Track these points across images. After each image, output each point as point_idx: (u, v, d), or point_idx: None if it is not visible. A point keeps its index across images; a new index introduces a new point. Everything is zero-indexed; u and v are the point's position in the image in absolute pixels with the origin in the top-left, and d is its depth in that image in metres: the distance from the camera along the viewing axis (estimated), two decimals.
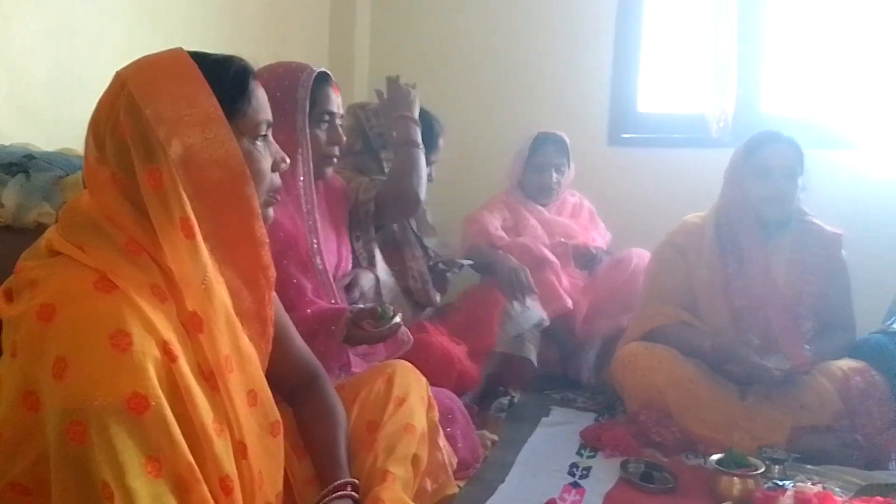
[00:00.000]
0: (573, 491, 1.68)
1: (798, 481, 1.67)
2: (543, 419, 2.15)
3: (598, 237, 2.73)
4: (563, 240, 2.59)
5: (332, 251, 1.70)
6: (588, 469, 1.81)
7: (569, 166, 2.70)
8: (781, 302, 2.05)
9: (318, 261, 1.61)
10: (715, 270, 2.09)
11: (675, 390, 1.99)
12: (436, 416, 1.37)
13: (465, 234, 2.60)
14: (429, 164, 2.31)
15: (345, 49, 3.24)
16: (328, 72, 1.63)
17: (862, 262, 2.16)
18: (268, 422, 1.08)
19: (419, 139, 1.95)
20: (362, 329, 1.50)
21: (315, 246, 1.60)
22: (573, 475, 1.77)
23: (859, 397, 1.89)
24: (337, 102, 1.64)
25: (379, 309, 1.52)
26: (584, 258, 2.59)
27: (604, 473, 1.78)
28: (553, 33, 3.08)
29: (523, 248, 2.47)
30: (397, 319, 1.50)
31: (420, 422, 1.30)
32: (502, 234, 2.57)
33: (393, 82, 2.01)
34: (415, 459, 1.25)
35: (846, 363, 1.97)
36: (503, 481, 1.69)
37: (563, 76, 3.07)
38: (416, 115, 1.97)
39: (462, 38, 3.22)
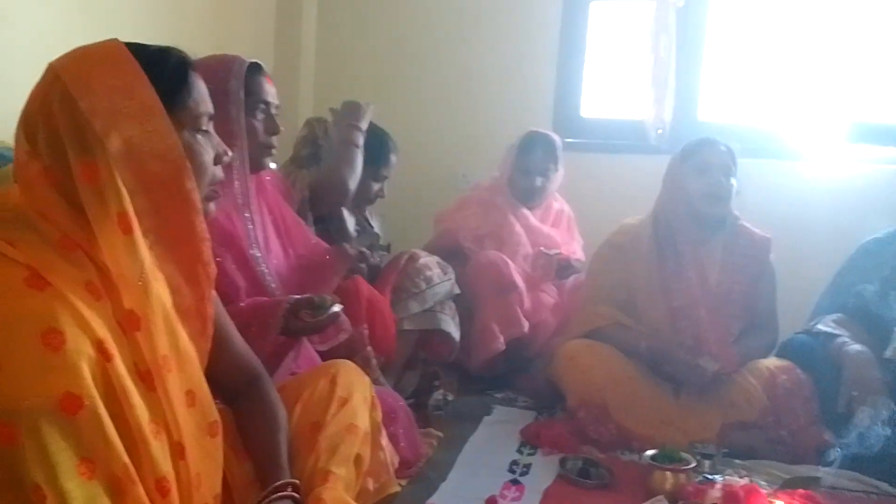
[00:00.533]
0: (513, 488, 1.70)
1: (727, 475, 1.74)
2: (485, 418, 2.17)
3: (578, 247, 2.72)
4: (543, 250, 2.54)
5: (273, 242, 1.68)
6: (528, 466, 1.84)
7: (557, 169, 2.67)
8: (713, 303, 2.14)
9: (257, 254, 1.59)
10: (653, 271, 2.16)
11: (614, 388, 2.04)
12: (379, 415, 1.37)
13: (434, 233, 2.64)
14: (380, 179, 2.35)
15: (291, 43, 3.21)
16: (260, 62, 1.63)
17: (788, 265, 2.27)
18: (206, 422, 1.06)
19: (359, 142, 2.06)
20: (301, 320, 1.49)
21: (253, 239, 1.59)
22: (513, 472, 1.79)
23: (785, 395, 1.98)
24: (271, 92, 1.64)
25: (316, 298, 1.52)
26: (566, 271, 2.56)
27: (543, 470, 1.81)
28: (499, 39, 3.12)
29: (492, 268, 2.40)
30: (336, 308, 1.50)
31: (363, 422, 1.30)
32: (471, 244, 2.54)
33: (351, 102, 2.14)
34: (357, 459, 1.25)
35: (773, 362, 2.07)
36: (445, 480, 1.70)
37: (509, 81, 3.12)
38: (364, 126, 2.10)
39: (409, 39, 3.23)
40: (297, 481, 1.16)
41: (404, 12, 3.22)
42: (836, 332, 2.03)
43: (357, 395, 1.31)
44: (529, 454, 1.93)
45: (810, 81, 2.86)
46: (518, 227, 2.59)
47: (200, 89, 1.05)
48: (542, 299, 2.53)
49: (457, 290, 2.27)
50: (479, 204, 2.66)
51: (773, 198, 2.58)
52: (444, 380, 2.29)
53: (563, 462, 1.84)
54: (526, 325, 2.40)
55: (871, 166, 2.70)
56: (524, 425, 2.08)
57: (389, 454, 1.38)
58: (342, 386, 1.30)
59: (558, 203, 2.78)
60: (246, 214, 1.59)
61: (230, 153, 1.12)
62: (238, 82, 1.54)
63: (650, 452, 1.75)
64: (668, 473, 1.68)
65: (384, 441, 1.38)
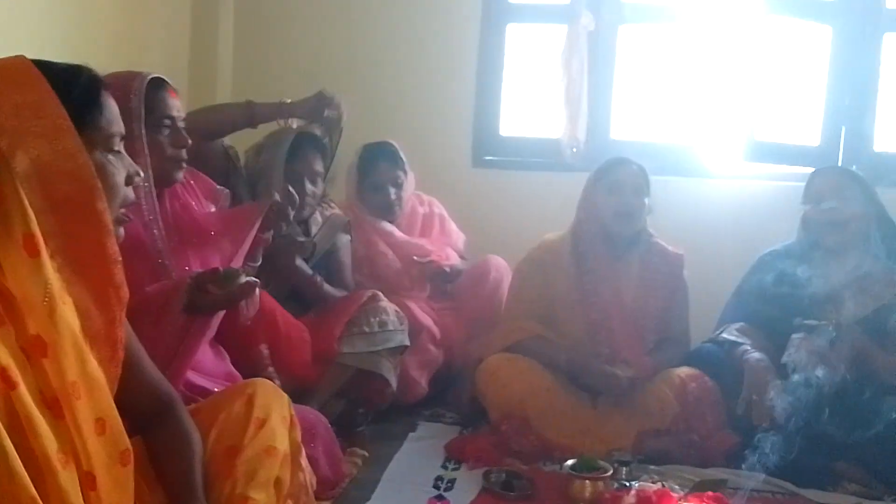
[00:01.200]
0: None
1: (642, 481, 1.81)
2: (410, 434, 2.17)
3: (452, 252, 2.63)
4: (416, 258, 2.49)
5: (182, 254, 1.63)
6: (452, 481, 1.86)
7: (406, 174, 2.57)
8: (629, 317, 2.23)
9: (167, 263, 1.56)
10: (572, 286, 2.24)
11: (534, 400, 2.09)
12: (298, 435, 1.35)
13: None
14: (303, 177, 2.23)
15: (207, 59, 3.14)
16: (163, 77, 1.62)
17: (696, 277, 2.38)
18: (117, 451, 1.02)
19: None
20: (208, 293, 1.46)
21: (161, 257, 1.55)
22: (438, 488, 1.81)
23: (694, 402, 2.08)
24: (175, 106, 1.62)
25: (222, 270, 1.49)
26: (440, 278, 2.53)
27: (467, 485, 1.83)
28: (418, 58, 3.15)
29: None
30: (247, 279, 1.47)
31: (282, 443, 1.27)
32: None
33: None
34: (277, 482, 1.22)
35: (683, 371, 2.17)
36: (368, 499, 1.69)
37: (428, 99, 3.15)
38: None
39: (326, 56, 3.21)
40: None
41: (321, 29, 3.21)
42: (739, 340, 2.16)
43: (275, 416, 1.28)
44: (454, 469, 1.95)
45: (714, 102, 3.03)
46: (383, 246, 2.50)
47: (112, 109, 1.03)
48: (447, 321, 2.49)
49: (406, 343, 2.22)
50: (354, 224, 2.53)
51: (681, 214, 2.70)
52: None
53: (486, 475, 1.86)
54: (441, 358, 2.41)
55: (769, 183, 2.89)
56: (449, 440, 2.09)
57: (308, 475, 1.36)
58: (259, 406, 1.27)
59: (424, 206, 2.70)
60: (155, 231, 1.55)
61: (142, 174, 1.10)
62: (138, 99, 1.52)
63: (570, 462, 1.80)
64: (587, 482, 1.73)
65: (303, 461, 1.35)
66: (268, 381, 1.39)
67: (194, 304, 1.45)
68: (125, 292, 1.01)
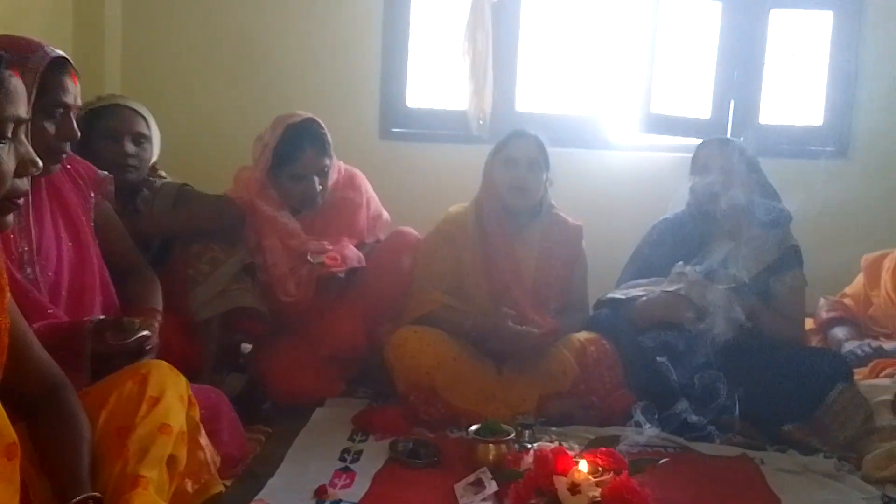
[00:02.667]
0: (343, 476, 1.72)
1: (543, 442, 1.88)
2: (318, 410, 2.16)
3: (352, 252, 2.30)
4: (309, 257, 2.23)
5: (53, 250, 1.52)
6: (359, 453, 1.87)
7: (332, 158, 2.33)
8: (529, 285, 2.30)
9: (28, 269, 1.44)
10: (477, 255, 2.28)
11: (441, 370, 2.13)
12: (197, 414, 1.33)
13: None
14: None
15: (93, 25, 2.95)
16: (67, 57, 1.45)
17: (594, 246, 2.47)
18: (3, 445, 0.99)
19: None
20: (105, 342, 1.39)
21: (25, 251, 1.44)
22: (344, 460, 1.82)
23: (593, 364, 2.18)
24: (74, 93, 1.46)
25: (125, 320, 1.44)
26: (331, 282, 2.25)
27: (374, 455, 1.85)
28: (322, 29, 3.08)
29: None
30: (145, 332, 1.43)
31: (177, 421, 1.25)
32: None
33: None
34: (172, 460, 1.21)
35: (583, 335, 2.26)
36: (273, 475, 1.68)
37: (334, 70, 3.09)
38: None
39: (226, 30, 3.10)
40: (98, 494, 1.11)
41: (219, 2, 3.09)
42: (626, 294, 2.26)
43: (171, 394, 1.26)
44: (361, 441, 1.96)
45: (613, 75, 3.13)
46: (272, 241, 2.24)
47: (10, 89, 0.95)
48: (358, 304, 2.31)
49: (248, 259, 2.11)
50: (243, 205, 2.26)
51: (583, 184, 2.80)
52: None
53: (393, 445, 1.89)
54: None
55: (662, 154, 3.02)
56: (357, 413, 2.10)
57: (210, 454, 1.35)
58: (153, 385, 1.24)
59: (338, 190, 2.41)
60: (22, 224, 1.43)
61: (40, 165, 1.02)
62: (33, 77, 1.34)
63: (474, 427, 1.85)
64: (491, 446, 1.78)
65: (204, 440, 1.33)
66: (163, 362, 1.36)
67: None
68: (4, 279, 0.96)
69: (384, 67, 3.13)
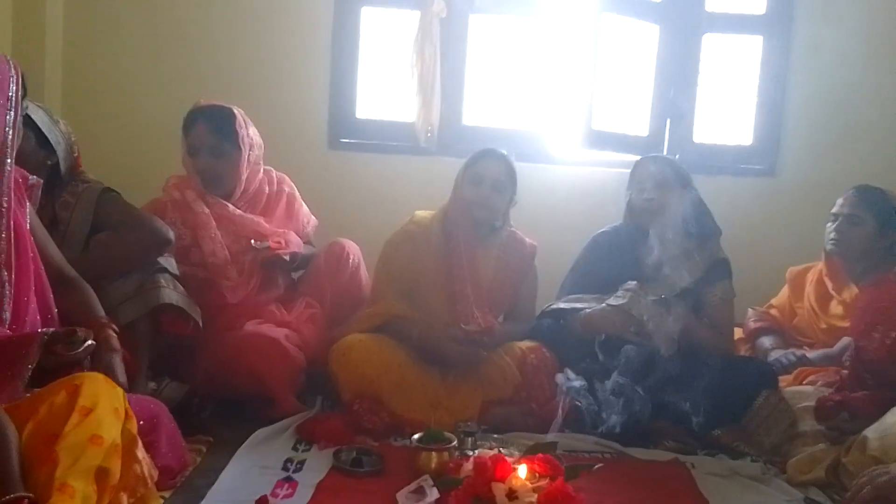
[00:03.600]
0: (285, 485, 1.72)
1: (485, 449, 1.93)
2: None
3: (294, 237, 2.41)
4: (253, 243, 2.30)
5: None
6: (302, 462, 1.87)
7: (237, 147, 2.30)
8: (484, 291, 2.39)
9: None
10: (438, 258, 2.36)
11: (386, 378, 2.16)
12: (134, 426, 1.32)
13: None
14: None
15: (33, 30, 2.89)
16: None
17: (540, 259, 2.54)
18: None
19: None
20: (55, 354, 1.39)
21: None
22: (287, 470, 1.82)
23: (533, 371, 2.24)
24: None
25: (78, 332, 1.44)
26: (276, 266, 2.34)
27: (317, 465, 1.86)
28: (269, 38, 3.07)
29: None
30: (90, 342, 1.43)
31: (110, 433, 1.24)
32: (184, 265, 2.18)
33: None
34: (104, 473, 1.19)
35: (524, 344, 2.34)
36: (213, 486, 1.67)
37: (283, 81, 3.08)
38: None
39: (171, 37, 3.06)
40: (32, 495, 1.10)
41: (166, 9, 3.05)
42: (571, 306, 2.34)
43: (104, 405, 1.25)
44: (305, 450, 1.96)
45: (556, 91, 3.22)
46: (211, 230, 2.27)
47: None
48: (304, 318, 2.36)
49: (161, 255, 2.07)
50: (175, 208, 2.31)
51: (527, 198, 2.84)
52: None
53: (337, 454, 1.90)
54: (303, 362, 2.26)
55: (603, 170, 3.11)
56: (300, 422, 2.10)
57: (147, 467, 1.33)
58: (86, 396, 1.23)
59: (272, 186, 2.48)
60: None
61: None
62: None
63: (417, 435, 1.87)
64: (433, 453, 1.81)
65: (140, 453, 1.32)
66: (99, 374, 1.35)
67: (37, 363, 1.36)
68: None
69: (333, 78, 3.14)
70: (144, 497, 1.32)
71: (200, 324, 2.08)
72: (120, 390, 1.32)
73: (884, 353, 2.03)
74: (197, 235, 2.27)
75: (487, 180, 2.36)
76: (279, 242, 2.32)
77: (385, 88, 3.24)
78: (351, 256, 2.52)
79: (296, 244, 2.39)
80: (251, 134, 2.39)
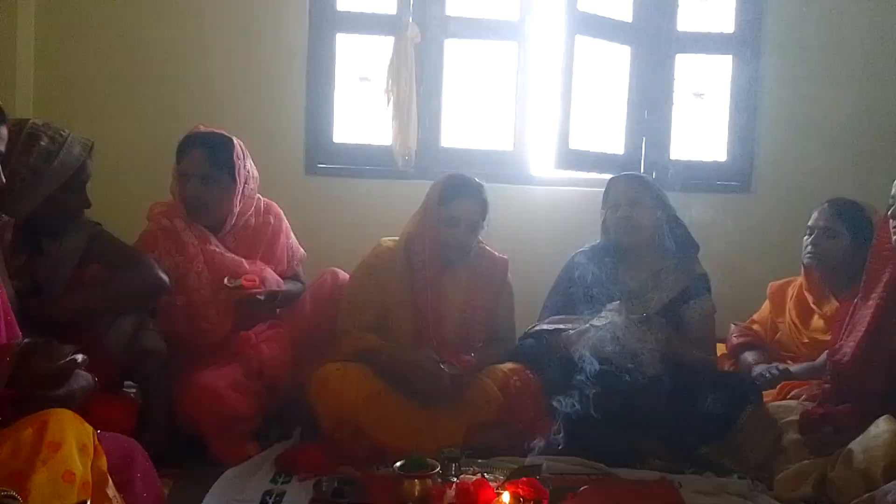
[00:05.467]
0: None
1: (469, 474, 1.89)
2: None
3: (270, 275, 2.31)
4: (226, 281, 2.19)
5: None
6: (282, 495, 1.83)
7: (236, 177, 2.23)
8: (456, 318, 2.35)
9: None
10: (404, 290, 2.31)
11: (366, 406, 2.13)
12: (104, 464, 1.27)
13: None
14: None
15: (4, 55, 2.87)
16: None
17: (519, 278, 2.53)
18: None
19: None
20: (32, 366, 1.33)
21: None
22: (266, 503, 1.77)
23: (517, 393, 2.21)
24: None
25: (55, 344, 1.38)
26: (252, 306, 2.24)
27: (298, 496, 1.82)
28: (244, 63, 3.07)
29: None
30: (77, 356, 1.37)
31: (79, 469, 1.20)
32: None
33: None
34: None
35: (507, 366, 2.30)
36: None
37: (258, 106, 3.08)
38: None
39: (145, 62, 3.05)
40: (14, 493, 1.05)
41: (139, 24, 3.04)
42: (555, 327, 2.32)
43: (71, 442, 1.21)
44: (285, 482, 1.92)
45: (532, 113, 3.24)
46: (198, 265, 2.20)
47: None
48: (273, 350, 2.26)
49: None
50: (166, 236, 2.22)
51: (504, 218, 2.84)
52: None
53: (317, 485, 1.85)
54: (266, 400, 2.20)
55: (581, 189, 3.13)
56: (279, 453, 2.06)
57: None
58: (53, 431, 1.19)
59: (258, 217, 2.39)
60: None
61: None
62: None
63: (399, 463, 1.83)
64: (416, 481, 1.77)
65: (111, 491, 1.28)
66: (66, 410, 1.30)
67: (14, 376, 1.29)
68: None
69: (309, 103, 3.14)
70: None
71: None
72: (89, 427, 1.28)
73: (857, 364, 2.04)
74: (184, 271, 2.19)
75: (462, 222, 2.29)
76: (253, 281, 2.21)
77: (362, 113, 3.25)
78: (337, 290, 2.45)
79: (273, 282, 2.27)
80: (248, 166, 2.31)
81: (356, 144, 3.24)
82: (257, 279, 2.22)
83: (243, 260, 2.29)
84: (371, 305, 2.31)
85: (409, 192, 3.02)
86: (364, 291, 2.33)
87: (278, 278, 2.32)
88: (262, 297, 2.22)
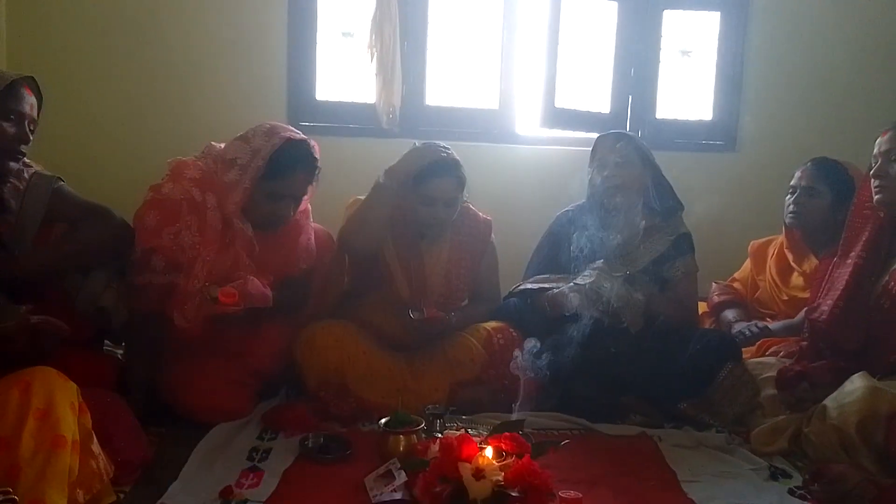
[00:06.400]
0: (251, 475, 1.70)
1: (453, 430, 1.92)
2: None
3: (254, 285, 2.04)
4: (206, 286, 1.98)
5: None
6: (268, 451, 1.85)
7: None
8: (442, 279, 2.35)
9: None
10: (398, 247, 2.31)
11: (351, 365, 2.14)
12: (88, 421, 1.28)
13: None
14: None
15: None
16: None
17: (504, 238, 2.53)
18: None
19: None
20: None
21: None
22: (252, 459, 1.79)
23: (500, 351, 2.23)
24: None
25: (5, 301, 1.37)
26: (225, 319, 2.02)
27: (283, 453, 1.83)
28: (224, 20, 3.00)
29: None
30: (34, 318, 1.36)
31: (70, 430, 1.20)
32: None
33: None
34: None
35: (490, 324, 2.32)
36: (176, 478, 1.63)
37: (238, 62, 3.02)
38: None
39: (121, 17, 2.97)
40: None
41: None
42: (539, 286, 2.33)
43: (60, 403, 1.21)
44: (271, 439, 1.93)
45: (518, 71, 3.20)
46: (212, 248, 2.01)
47: None
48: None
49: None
50: (191, 210, 2.01)
51: (490, 178, 2.85)
52: None
53: (303, 441, 1.88)
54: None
55: (567, 148, 3.11)
56: (265, 411, 2.07)
57: (103, 462, 1.30)
58: (39, 395, 1.19)
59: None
60: None
61: None
62: None
63: (384, 420, 1.86)
64: (401, 437, 1.79)
65: (96, 448, 1.28)
66: (51, 368, 1.30)
67: None
68: None
69: (291, 59, 3.08)
70: (100, 493, 1.28)
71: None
72: (73, 385, 1.28)
73: (834, 322, 2.08)
74: (193, 252, 2.00)
75: (439, 201, 2.26)
76: (231, 295, 1.97)
77: (345, 69, 3.19)
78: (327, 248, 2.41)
79: (258, 297, 2.03)
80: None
81: (339, 102, 3.20)
82: (236, 293, 1.98)
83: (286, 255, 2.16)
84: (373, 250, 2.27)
85: (393, 151, 2.99)
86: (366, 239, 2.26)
87: (266, 293, 2.05)
88: (239, 313, 2.00)
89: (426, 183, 2.24)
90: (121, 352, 2.16)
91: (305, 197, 2.23)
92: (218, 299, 1.95)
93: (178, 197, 2.01)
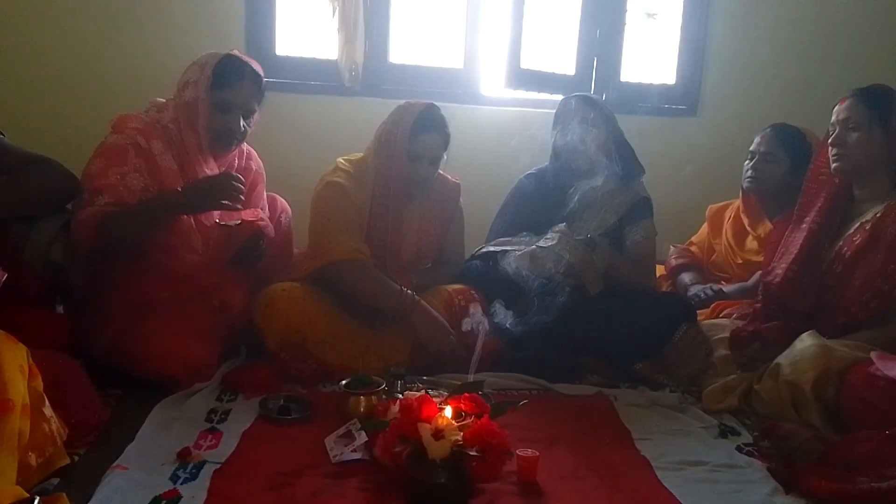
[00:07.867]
0: (209, 436, 1.68)
1: (414, 391, 1.93)
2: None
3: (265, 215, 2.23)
4: (224, 223, 2.09)
5: None
6: (227, 413, 1.83)
7: (259, 107, 2.18)
8: (413, 243, 2.34)
9: None
10: (366, 214, 2.26)
11: (312, 327, 2.12)
12: (40, 384, 1.25)
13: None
14: None
15: None
16: None
17: (468, 199, 2.52)
18: None
19: None
20: None
21: None
22: (211, 421, 1.78)
23: (461, 313, 2.23)
24: None
25: None
26: (255, 247, 2.15)
27: (243, 415, 1.82)
28: None
29: None
30: None
31: (19, 393, 1.17)
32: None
33: None
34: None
35: (452, 287, 2.32)
36: (132, 440, 1.61)
37: (193, 14, 2.90)
38: None
39: None
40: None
41: None
42: (501, 248, 2.33)
43: (8, 366, 1.17)
44: (230, 401, 1.92)
45: (483, 30, 3.14)
46: (178, 182, 2.03)
47: None
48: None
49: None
50: (138, 154, 2.00)
51: (454, 138, 2.81)
52: None
53: (263, 402, 1.87)
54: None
55: (532, 110, 3.09)
56: (224, 373, 2.05)
57: (56, 425, 1.27)
58: None
59: (242, 158, 2.30)
60: None
61: None
62: None
63: (345, 381, 1.86)
64: (361, 398, 1.80)
65: (48, 411, 1.26)
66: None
67: None
68: None
69: (249, 11, 2.97)
70: (52, 456, 1.26)
71: None
72: (23, 347, 1.24)
73: (787, 286, 2.13)
74: (147, 193, 1.99)
75: (426, 158, 2.23)
76: (256, 214, 2.07)
77: (306, 24, 3.09)
78: (283, 213, 2.40)
79: (269, 227, 2.13)
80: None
81: (300, 58, 3.10)
82: (258, 213, 2.08)
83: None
84: (355, 218, 2.22)
85: (355, 110, 2.95)
86: (344, 207, 2.21)
87: (269, 223, 2.16)
88: (268, 233, 2.08)
89: (417, 137, 2.21)
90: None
91: (254, 118, 2.20)
92: (244, 221, 2.02)
93: (124, 143, 2.00)
